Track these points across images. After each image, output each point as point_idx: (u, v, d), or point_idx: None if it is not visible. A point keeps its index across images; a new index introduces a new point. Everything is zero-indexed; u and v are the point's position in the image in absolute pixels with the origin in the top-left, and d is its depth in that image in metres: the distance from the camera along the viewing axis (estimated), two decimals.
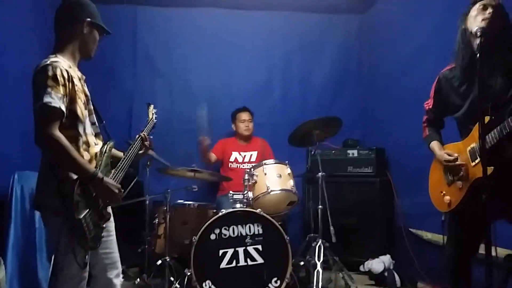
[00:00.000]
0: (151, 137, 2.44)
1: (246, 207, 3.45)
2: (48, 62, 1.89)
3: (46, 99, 1.81)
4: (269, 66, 5.26)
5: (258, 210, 3.35)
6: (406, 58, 4.35)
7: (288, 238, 3.30)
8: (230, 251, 3.24)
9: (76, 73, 2.02)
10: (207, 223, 3.25)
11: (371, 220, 4.32)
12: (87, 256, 1.92)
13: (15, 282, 2.79)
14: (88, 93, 2.11)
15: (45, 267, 3.16)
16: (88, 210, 1.87)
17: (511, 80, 2.04)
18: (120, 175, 2.12)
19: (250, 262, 3.25)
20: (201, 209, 3.93)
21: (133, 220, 3.83)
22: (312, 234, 3.83)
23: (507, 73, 2.05)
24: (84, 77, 2.12)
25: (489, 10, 2.07)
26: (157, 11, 5.08)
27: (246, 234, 3.29)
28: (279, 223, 3.38)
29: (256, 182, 3.61)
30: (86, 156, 1.99)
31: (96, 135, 2.12)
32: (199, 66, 5.10)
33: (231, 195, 3.63)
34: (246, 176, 3.62)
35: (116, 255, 2.17)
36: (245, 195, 3.56)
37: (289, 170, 3.71)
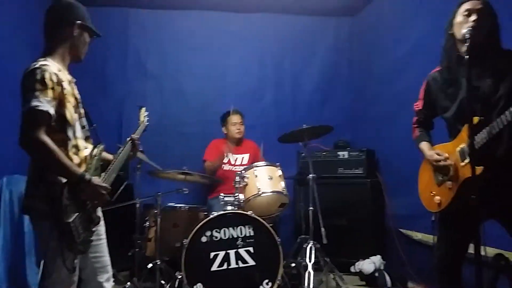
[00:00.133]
0: (138, 142, 2.41)
1: (237, 209, 3.45)
2: (36, 66, 1.87)
3: (34, 102, 1.79)
4: (261, 68, 5.28)
5: (249, 212, 3.35)
6: (396, 61, 4.38)
7: (279, 240, 3.30)
8: (221, 254, 3.24)
9: (65, 76, 2.01)
10: (198, 226, 3.25)
11: (361, 221, 4.34)
12: (76, 260, 1.91)
13: (4, 287, 2.76)
14: (78, 96, 2.09)
15: (34, 272, 3.14)
16: (77, 213, 1.85)
17: (500, 80, 2.06)
18: (110, 178, 2.11)
19: (241, 264, 3.25)
20: (192, 212, 3.92)
21: (124, 223, 3.81)
22: (303, 236, 3.84)
23: (495, 74, 2.07)
24: (74, 80, 2.10)
25: (473, 17, 2.07)
26: (148, 13, 5.08)
27: (238, 236, 3.29)
28: (270, 225, 3.39)
29: (247, 184, 3.61)
30: (76, 159, 1.97)
31: (86, 139, 2.11)
32: (191, 69, 5.11)
33: (222, 197, 3.63)
34: (237, 178, 3.62)
35: (106, 259, 2.16)
36: (236, 197, 3.56)
37: (280, 172, 3.72)
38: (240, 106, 4.66)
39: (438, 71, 2.32)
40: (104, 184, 1.98)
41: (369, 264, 3.96)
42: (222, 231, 3.28)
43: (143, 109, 2.71)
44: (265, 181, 3.60)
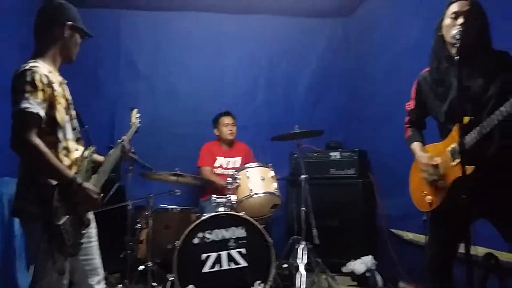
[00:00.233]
0: (127, 145, 2.39)
1: (229, 211, 3.45)
2: (27, 67, 1.86)
3: (24, 104, 1.78)
4: (254, 69, 5.28)
5: (241, 213, 3.35)
6: (389, 62, 4.40)
7: (271, 240, 3.30)
8: (214, 255, 3.24)
9: (56, 78, 2.00)
10: (190, 228, 3.24)
11: (353, 222, 4.36)
12: (66, 263, 1.90)
13: None
14: (69, 97, 2.08)
15: (25, 275, 3.11)
16: (68, 216, 1.84)
17: (490, 80, 2.08)
18: (101, 180, 2.10)
19: (233, 266, 3.25)
20: (184, 214, 3.91)
21: (115, 225, 3.78)
22: (295, 236, 3.84)
23: (485, 74, 2.09)
24: (65, 81, 2.09)
25: (460, 20, 2.08)
26: (140, 15, 5.06)
27: (230, 238, 3.29)
28: (263, 226, 3.39)
29: (239, 185, 3.61)
30: (66, 161, 1.96)
31: (77, 140, 2.09)
32: (184, 70, 5.10)
33: (214, 198, 3.62)
34: (229, 180, 3.61)
35: (97, 261, 2.15)
36: (228, 198, 3.55)
37: (272, 173, 3.73)
38: (233, 107, 4.67)
39: (428, 71, 2.34)
40: (95, 189, 1.97)
41: (361, 265, 3.98)
42: (214, 232, 3.27)
43: (135, 110, 2.70)
44: (257, 182, 3.61)
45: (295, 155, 4.21)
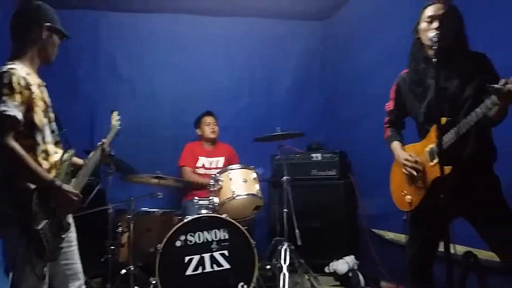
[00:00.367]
0: (107, 148, 2.37)
1: (211, 213, 3.43)
2: (4, 70, 1.84)
3: (1, 107, 1.76)
4: (234, 71, 5.28)
5: (223, 215, 3.34)
6: (367, 64, 4.46)
7: (254, 242, 3.30)
8: (196, 258, 3.22)
9: (34, 80, 1.97)
10: (172, 230, 3.22)
11: (335, 222, 4.39)
12: (45, 268, 1.87)
13: None
14: (48, 100, 2.05)
15: (4, 281, 3.04)
16: (47, 220, 1.82)
17: (467, 82, 2.11)
18: (80, 183, 2.08)
19: (216, 268, 3.23)
20: (166, 216, 3.89)
21: (96, 229, 3.74)
22: (278, 238, 3.86)
23: (462, 75, 2.12)
24: (44, 83, 2.06)
25: (435, 24, 2.11)
26: (119, 16, 5.01)
27: (212, 240, 3.27)
28: (245, 227, 3.38)
29: (221, 187, 3.59)
30: (45, 165, 1.93)
31: (56, 144, 2.07)
32: (164, 72, 5.06)
33: (196, 201, 3.60)
34: (212, 182, 3.60)
35: (77, 266, 2.12)
36: (211, 200, 3.54)
37: (254, 175, 3.72)
38: (215, 109, 4.66)
39: (407, 72, 2.37)
40: (74, 191, 1.95)
41: (343, 264, 4.01)
42: (196, 235, 3.26)
43: (115, 113, 2.67)
44: (240, 184, 3.60)
45: (277, 157, 4.22)
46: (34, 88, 1.92)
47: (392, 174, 2.52)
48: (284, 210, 3.73)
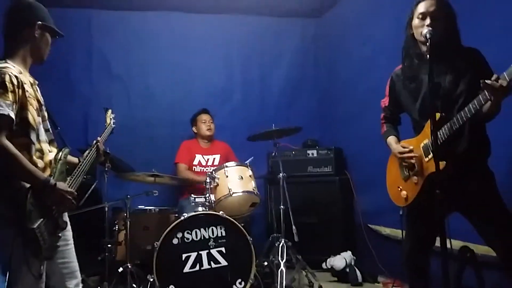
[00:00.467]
0: (102, 146, 2.36)
1: (208, 210, 3.43)
2: None
3: None
4: (229, 69, 5.27)
5: (220, 213, 3.34)
6: (361, 61, 4.46)
7: (251, 239, 3.30)
8: (193, 255, 3.22)
9: (27, 79, 1.96)
10: (169, 228, 3.21)
11: (331, 218, 4.40)
12: (42, 267, 1.86)
13: None
14: (41, 98, 2.04)
15: (1, 281, 3.03)
16: (42, 219, 1.81)
17: (460, 77, 2.12)
18: (76, 182, 2.07)
19: (213, 265, 3.24)
20: (162, 214, 3.89)
21: (93, 227, 3.73)
22: (275, 234, 3.86)
23: (455, 71, 2.13)
24: (37, 82, 2.05)
25: (427, 20, 2.11)
26: (112, 14, 4.98)
27: (209, 237, 3.27)
28: (242, 224, 3.38)
29: (218, 184, 3.59)
30: (40, 164, 1.92)
31: (51, 142, 2.06)
32: (158, 70, 5.05)
33: (193, 198, 3.60)
34: (208, 179, 3.60)
35: (74, 264, 2.11)
36: (207, 198, 3.54)
37: (250, 172, 3.72)
38: (209, 107, 4.65)
39: (401, 68, 2.37)
40: (69, 189, 1.94)
41: (340, 260, 4.02)
42: (193, 232, 3.25)
43: (110, 111, 2.66)
44: (236, 181, 3.60)
45: (273, 154, 4.23)
46: (27, 87, 1.91)
47: (388, 170, 2.53)
48: (281, 206, 3.74)
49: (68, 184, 2.01)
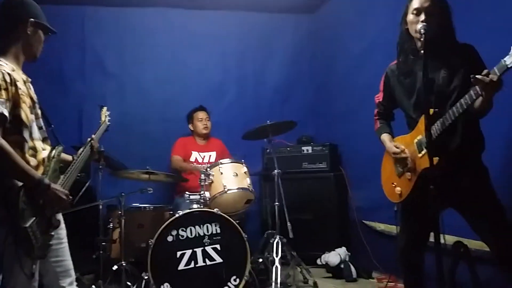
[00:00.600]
0: (96, 144, 2.35)
1: (203, 207, 3.43)
2: None
3: None
4: (223, 65, 5.27)
5: (215, 210, 3.33)
6: (355, 57, 4.46)
7: (246, 236, 3.31)
8: (188, 252, 3.21)
9: (20, 76, 1.94)
10: (163, 225, 3.21)
11: (326, 214, 4.42)
12: (34, 266, 1.85)
13: None
14: (34, 96, 2.02)
15: None
16: (34, 218, 1.79)
17: (454, 73, 2.12)
18: (69, 180, 2.06)
19: (208, 262, 3.23)
20: (157, 212, 3.88)
21: (87, 225, 3.72)
22: (269, 231, 3.86)
23: (449, 67, 2.13)
24: (30, 79, 2.03)
25: (422, 16, 2.10)
26: (106, 11, 4.96)
27: (204, 234, 3.27)
28: (237, 221, 3.39)
29: (212, 181, 3.59)
30: (33, 162, 1.91)
31: (44, 140, 2.04)
32: (152, 67, 5.04)
33: (187, 196, 3.59)
34: (203, 176, 3.59)
35: (68, 262, 2.10)
36: (202, 195, 3.54)
37: (245, 169, 3.72)
38: (204, 103, 4.65)
39: (396, 64, 2.37)
40: (63, 190, 1.93)
41: (335, 256, 4.03)
42: (188, 229, 3.25)
43: (105, 108, 2.65)
44: (231, 178, 3.60)
45: (268, 150, 4.22)
46: (20, 85, 1.89)
47: (383, 166, 2.54)
48: (276, 203, 3.74)
49: (61, 182, 1.99)
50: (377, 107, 2.55)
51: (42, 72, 4.24)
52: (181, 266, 3.18)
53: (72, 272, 2.12)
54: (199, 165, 4.28)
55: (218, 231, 3.30)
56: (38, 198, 1.83)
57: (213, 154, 4.51)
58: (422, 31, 2.02)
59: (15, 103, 1.85)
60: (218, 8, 5.14)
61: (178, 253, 3.19)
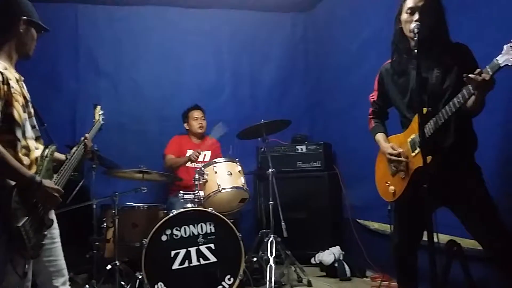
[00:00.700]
0: (90, 143, 2.34)
1: (197, 207, 3.42)
2: None
3: None
4: (219, 64, 5.26)
5: (209, 209, 3.33)
6: (350, 55, 4.47)
7: (240, 235, 3.30)
8: (182, 252, 3.21)
9: (13, 75, 1.92)
10: (157, 225, 3.20)
11: (320, 213, 4.42)
12: (27, 266, 1.84)
13: None
14: (27, 95, 2.01)
15: None
16: (27, 217, 1.78)
17: (447, 72, 2.13)
18: (63, 179, 2.05)
19: (202, 262, 3.23)
20: (151, 211, 3.87)
21: (80, 225, 3.70)
22: (264, 230, 3.86)
23: (442, 66, 2.14)
24: (22, 78, 2.02)
25: (416, 16, 2.11)
26: (100, 9, 4.93)
27: (198, 234, 3.27)
28: (231, 220, 3.38)
29: (207, 180, 3.58)
30: (26, 161, 1.89)
31: (37, 139, 2.02)
32: (146, 66, 5.02)
33: (181, 195, 3.59)
34: (197, 175, 3.59)
35: (61, 262, 2.09)
36: (196, 194, 3.53)
37: (239, 168, 3.72)
38: (199, 102, 4.63)
39: (390, 63, 2.38)
40: (55, 186, 1.92)
41: (329, 255, 4.04)
42: (182, 229, 3.24)
43: (98, 107, 2.63)
44: (225, 177, 3.59)
45: (262, 150, 4.21)
46: (13, 83, 1.87)
47: (377, 166, 2.54)
48: (270, 202, 3.74)
49: (55, 181, 1.98)
50: (372, 106, 2.56)
51: (35, 70, 4.21)
52: (175, 266, 3.18)
53: (65, 272, 2.11)
54: (192, 152, 4.24)
55: (213, 230, 3.29)
56: (31, 197, 1.82)
57: (208, 153, 4.50)
58: (416, 30, 2.03)
59: (7, 101, 1.83)
60: (213, 6, 5.13)
61: (172, 253, 3.19)
